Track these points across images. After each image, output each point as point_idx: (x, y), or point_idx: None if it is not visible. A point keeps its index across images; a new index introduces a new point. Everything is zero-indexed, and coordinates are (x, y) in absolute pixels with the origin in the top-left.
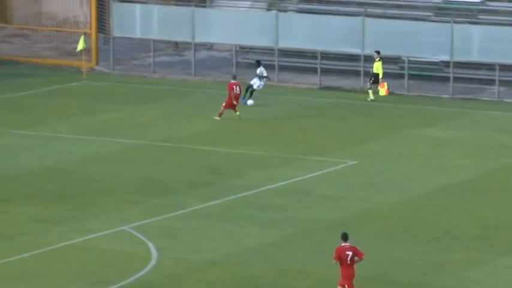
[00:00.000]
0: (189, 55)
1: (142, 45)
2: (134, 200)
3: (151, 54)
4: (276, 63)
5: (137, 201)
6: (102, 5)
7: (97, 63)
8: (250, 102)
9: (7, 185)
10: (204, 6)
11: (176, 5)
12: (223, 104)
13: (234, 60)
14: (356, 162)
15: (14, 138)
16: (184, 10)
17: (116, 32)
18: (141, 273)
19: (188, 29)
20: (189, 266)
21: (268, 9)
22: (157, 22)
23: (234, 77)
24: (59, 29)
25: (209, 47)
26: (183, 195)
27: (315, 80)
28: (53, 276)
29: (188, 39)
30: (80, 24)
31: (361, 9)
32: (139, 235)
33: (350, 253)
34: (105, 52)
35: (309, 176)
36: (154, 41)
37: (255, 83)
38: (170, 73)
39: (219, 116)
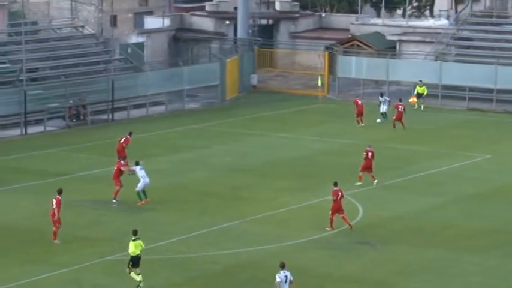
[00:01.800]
0: (384, 88)
1: (356, 82)
2: (347, 177)
3: (361, 87)
4: (439, 93)
5: (349, 178)
6: (332, 57)
7: (328, 93)
8: (378, 120)
9: (271, 168)
10: (395, 58)
11: (377, 57)
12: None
13: (412, 92)
14: (489, 156)
15: (275, 139)
16: (382, 60)
17: (340, 73)
18: (352, 222)
19: (384, 72)
20: (382, 219)
21: (436, 60)
22: (365, 67)
23: (400, 100)
24: (305, 72)
25: (397, 83)
26: (379, 176)
27: (463, 104)
28: (298, 223)
29: (384, 78)
30: (318, 69)
31: (494, 60)
32: (351, 199)
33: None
34: (333, 86)
35: (458, 164)
36: (363, 79)
37: (382, 107)
38: (372, 100)
39: (393, 126)
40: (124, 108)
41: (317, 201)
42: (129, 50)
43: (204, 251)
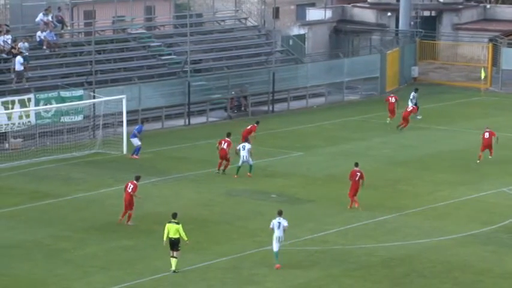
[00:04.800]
0: None
1: None
2: (510, 171)
3: None
4: None
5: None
6: (496, 49)
7: (490, 85)
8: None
9: (430, 161)
10: None
11: None
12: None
13: None
14: None
15: (435, 131)
16: None
17: (504, 65)
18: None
19: None
20: None
21: None
22: None
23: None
24: (468, 64)
25: None
26: None
27: None
28: (457, 217)
29: None
30: (481, 61)
31: None
32: None
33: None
34: (496, 78)
35: None
36: None
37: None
38: None
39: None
40: (284, 100)
41: (477, 195)
42: (291, 42)
43: (361, 243)
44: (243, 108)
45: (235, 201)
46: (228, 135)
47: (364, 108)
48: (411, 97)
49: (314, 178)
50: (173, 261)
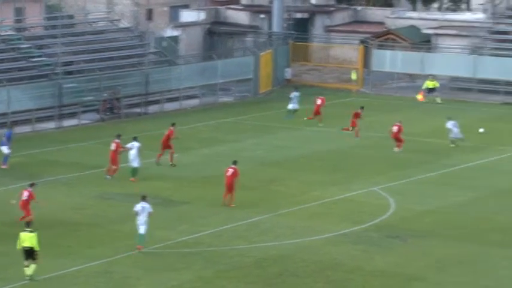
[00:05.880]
0: (419, 82)
1: (390, 76)
2: (381, 171)
3: (395, 81)
4: (474, 87)
5: (382, 172)
6: (367, 51)
7: (362, 87)
8: (481, 130)
9: (303, 161)
10: (429, 52)
11: (412, 50)
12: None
13: (447, 85)
14: None
15: (308, 132)
16: (417, 54)
17: (374, 67)
18: (384, 216)
19: (419, 66)
20: (413, 213)
21: (471, 54)
22: (400, 61)
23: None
24: (339, 65)
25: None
26: (411, 170)
27: (499, 98)
28: (329, 217)
29: (419, 72)
30: (353, 63)
31: None
32: (384, 193)
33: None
34: (367, 80)
35: (492, 158)
36: (397, 73)
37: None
38: (406, 93)
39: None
40: (158, 102)
41: (348, 195)
42: (164, 44)
43: (235, 244)
44: (115, 111)
45: (108, 204)
46: (118, 136)
47: (238, 110)
48: (292, 96)
49: (188, 180)
50: (29, 268)
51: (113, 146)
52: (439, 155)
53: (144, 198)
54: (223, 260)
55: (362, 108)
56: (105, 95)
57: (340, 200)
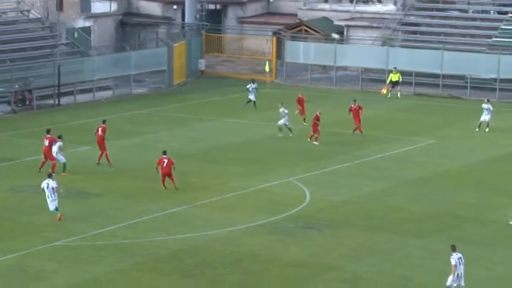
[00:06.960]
0: (332, 73)
1: (304, 67)
2: (296, 162)
3: (308, 72)
4: (386, 78)
5: (298, 163)
6: (280, 42)
7: (276, 78)
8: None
9: (219, 153)
10: (342, 43)
11: (325, 42)
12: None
13: (359, 77)
14: (434, 141)
15: (223, 124)
16: (330, 45)
17: (288, 58)
18: (300, 207)
19: (332, 57)
20: (329, 204)
21: (382, 45)
22: (313, 53)
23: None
24: (253, 56)
25: (345, 68)
26: (326, 160)
27: (410, 89)
28: (246, 208)
29: (332, 63)
30: (266, 54)
31: (440, 45)
32: (299, 184)
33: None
34: (281, 71)
35: (405, 149)
36: (311, 64)
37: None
38: (320, 85)
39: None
40: (70, 93)
41: (265, 186)
42: (76, 35)
43: (151, 236)
44: (27, 102)
45: (20, 197)
46: (48, 131)
47: (152, 102)
48: (250, 89)
49: (102, 172)
50: None
51: (46, 142)
52: (354, 146)
53: (50, 176)
54: (139, 252)
55: (354, 101)
56: (17, 86)
57: (256, 191)
